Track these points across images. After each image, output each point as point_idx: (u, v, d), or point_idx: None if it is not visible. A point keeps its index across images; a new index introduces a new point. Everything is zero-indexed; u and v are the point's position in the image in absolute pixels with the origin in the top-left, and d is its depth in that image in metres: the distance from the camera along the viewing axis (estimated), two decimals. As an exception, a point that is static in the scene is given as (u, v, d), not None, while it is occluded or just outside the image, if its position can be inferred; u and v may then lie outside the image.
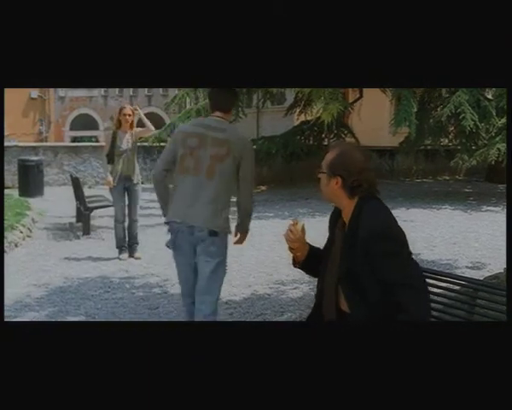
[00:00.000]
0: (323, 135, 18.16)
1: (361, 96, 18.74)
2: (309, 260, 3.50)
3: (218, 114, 4.67)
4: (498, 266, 7.83)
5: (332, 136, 18.39)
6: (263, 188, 18.32)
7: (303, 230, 3.43)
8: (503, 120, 14.76)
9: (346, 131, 18.76)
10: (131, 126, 9.25)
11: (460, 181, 20.53)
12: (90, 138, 36.27)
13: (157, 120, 52.97)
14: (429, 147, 18.32)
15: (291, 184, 18.62)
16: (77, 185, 11.66)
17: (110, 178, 9.06)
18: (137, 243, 9.41)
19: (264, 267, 8.46)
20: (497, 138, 14.63)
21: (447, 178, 21.46)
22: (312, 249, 3.52)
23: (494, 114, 15.01)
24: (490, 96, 15.38)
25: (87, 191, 13.79)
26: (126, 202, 9.33)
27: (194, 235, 4.46)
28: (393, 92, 14.76)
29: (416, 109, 14.21)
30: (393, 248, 3.04)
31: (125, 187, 9.19)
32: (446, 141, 16.99)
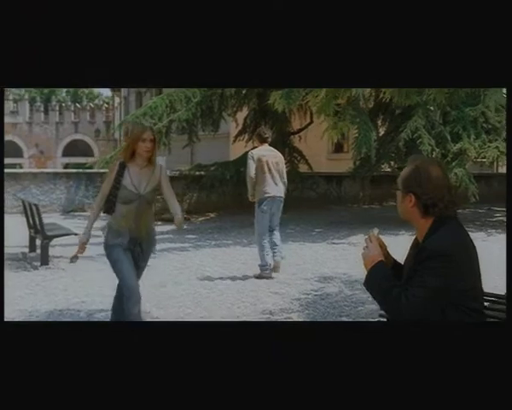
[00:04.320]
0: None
1: (311, 122, 18.72)
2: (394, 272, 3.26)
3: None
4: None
5: (285, 162, 18.16)
6: (211, 215, 17.95)
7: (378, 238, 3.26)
8: (459, 145, 14.86)
9: (299, 157, 18.64)
10: (151, 161, 5.52)
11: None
12: (13, 166, 35.23)
13: (84, 148, 52.45)
14: (382, 172, 18.36)
15: (240, 210, 18.31)
16: (34, 213, 10.96)
17: (86, 238, 5.54)
18: None
19: (246, 297, 8.06)
20: (454, 163, 14.68)
21: (393, 203, 21.51)
22: (396, 264, 3.33)
23: (449, 139, 15.11)
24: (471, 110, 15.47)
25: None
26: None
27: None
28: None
29: (375, 135, 14.17)
30: (439, 267, 2.85)
31: (130, 246, 5.54)
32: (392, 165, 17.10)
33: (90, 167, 19.12)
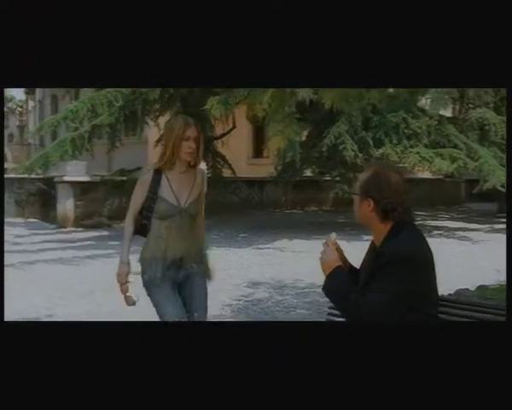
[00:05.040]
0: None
1: (234, 127, 18.66)
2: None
3: None
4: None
5: (208, 167, 18.03)
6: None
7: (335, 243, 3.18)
8: (381, 151, 15.05)
9: (222, 162, 18.55)
10: (195, 163, 4.32)
11: (329, 212, 20.79)
12: None
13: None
14: (304, 177, 18.46)
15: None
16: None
17: (124, 270, 4.25)
18: None
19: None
20: (376, 168, 14.84)
21: (315, 208, 21.72)
22: (352, 269, 3.25)
23: (371, 144, 15.29)
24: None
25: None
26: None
27: None
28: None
29: (300, 140, 14.22)
30: (399, 272, 2.82)
31: (175, 279, 4.32)
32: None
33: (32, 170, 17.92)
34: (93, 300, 8.00)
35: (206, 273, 4.43)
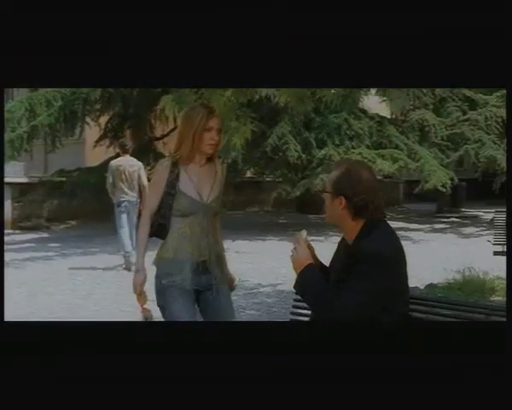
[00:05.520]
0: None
1: (175, 127, 18.40)
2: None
3: None
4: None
5: (150, 168, 17.80)
6: (73, 222, 17.30)
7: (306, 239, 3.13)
8: (324, 151, 15.10)
9: (164, 162, 18.30)
10: (212, 156, 4.00)
11: (270, 212, 20.79)
12: None
13: None
14: (245, 178, 18.41)
15: (103, 217, 17.77)
16: None
17: (141, 278, 3.85)
18: None
19: (124, 306, 7.76)
20: (319, 169, 14.91)
21: (256, 209, 21.68)
22: (323, 267, 3.22)
23: (314, 145, 15.35)
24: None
25: None
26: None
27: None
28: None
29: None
30: (373, 270, 2.79)
31: (198, 285, 3.89)
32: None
33: None
34: (36, 302, 7.86)
35: (227, 278, 4.04)
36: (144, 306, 3.87)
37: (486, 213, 19.32)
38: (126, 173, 10.43)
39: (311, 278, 2.97)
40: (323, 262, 3.25)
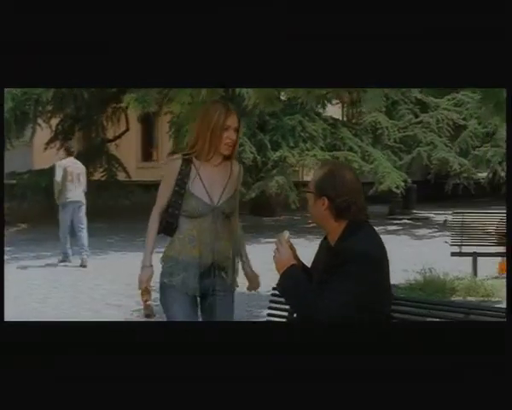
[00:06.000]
0: (92, 169, 17.25)
1: (127, 129, 18.32)
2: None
3: None
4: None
5: (102, 170, 17.65)
6: (23, 226, 16.95)
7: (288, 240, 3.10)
8: (278, 153, 15.11)
9: (117, 165, 18.14)
10: (230, 156, 3.80)
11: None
12: None
13: None
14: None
15: (53, 220, 17.51)
16: None
17: (148, 274, 3.75)
18: None
19: (83, 310, 7.70)
20: (274, 171, 14.92)
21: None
22: (305, 267, 3.19)
23: (269, 147, 15.34)
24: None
25: None
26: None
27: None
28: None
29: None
30: (358, 271, 2.78)
31: (201, 289, 3.76)
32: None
33: None
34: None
35: (234, 285, 3.87)
36: (147, 302, 3.75)
37: (437, 215, 19.62)
38: (74, 175, 10.78)
39: (294, 279, 2.95)
40: (305, 263, 3.22)
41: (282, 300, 3.31)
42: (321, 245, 3.17)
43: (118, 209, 18.77)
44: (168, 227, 3.70)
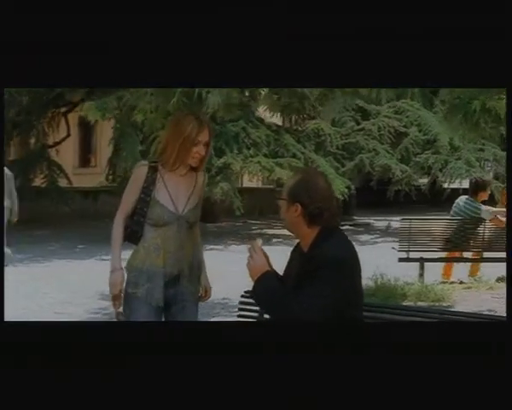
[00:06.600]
0: (32, 175, 16.96)
1: (69, 135, 18.06)
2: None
3: None
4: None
5: (43, 176, 17.35)
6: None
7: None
8: (222, 160, 15.06)
9: (58, 171, 17.86)
10: (197, 167, 3.83)
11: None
12: None
13: None
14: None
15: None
16: None
17: (119, 278, 3.70)
18: None
19: (31, 318, 7.46)
20: (219, 177, 14.87)
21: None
22: (277, 275, 3.17)
23: (213, 153, 15.27)
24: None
25: None
26: None
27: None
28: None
29: (140, 147, 13.99)
30: (332, 276, 2.82)
31: (165, 298, 3.74)
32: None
33: None
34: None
35: (197, 294, 3.85)
36: (119, 310, 3.67)
37: (377, 221, 19.88)
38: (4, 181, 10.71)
39: (268, 286, 2.97)
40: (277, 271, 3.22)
41: (252, 302, 3.34)
42: (292, 253, 3.21)
43: (58, 216, 18.49)
44: (133, 235, 3.68)
